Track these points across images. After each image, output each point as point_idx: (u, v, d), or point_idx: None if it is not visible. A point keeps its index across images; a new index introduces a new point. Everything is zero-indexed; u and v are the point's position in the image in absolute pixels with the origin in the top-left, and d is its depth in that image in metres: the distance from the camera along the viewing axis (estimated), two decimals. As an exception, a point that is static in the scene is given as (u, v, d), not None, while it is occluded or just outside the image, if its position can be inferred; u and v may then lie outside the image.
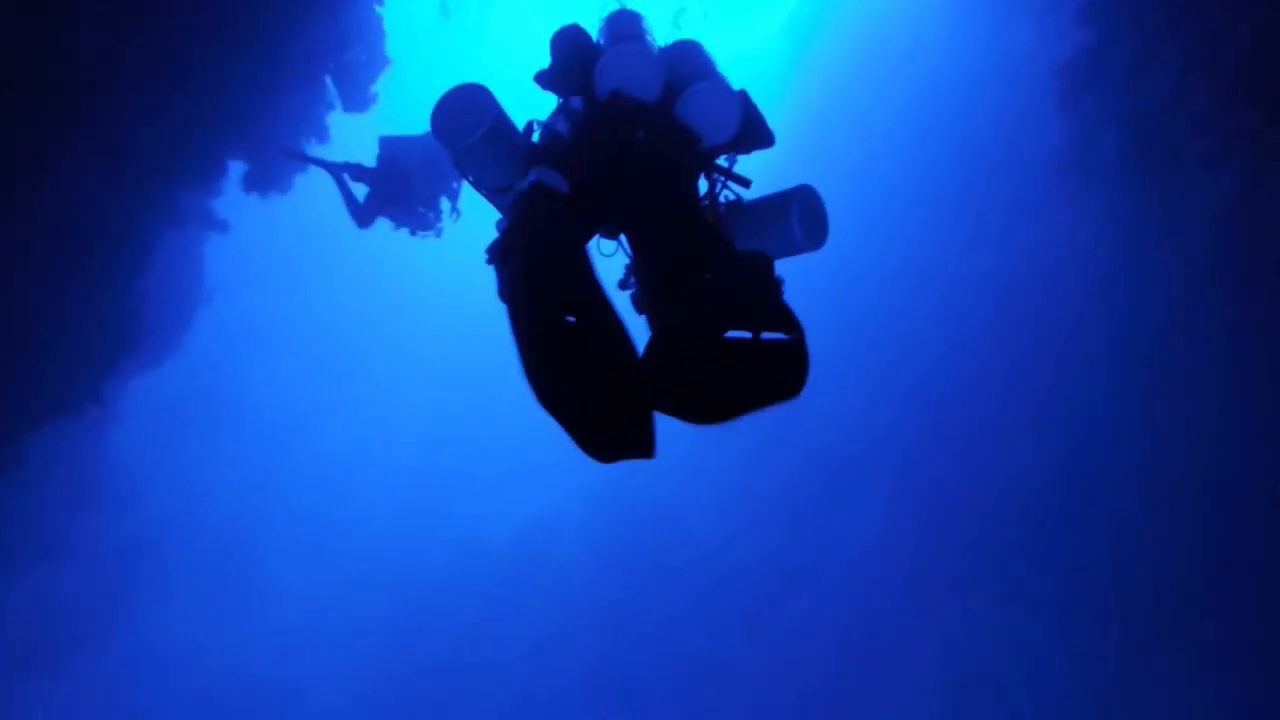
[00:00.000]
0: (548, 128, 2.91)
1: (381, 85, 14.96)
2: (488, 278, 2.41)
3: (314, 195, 15.38)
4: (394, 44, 15.08)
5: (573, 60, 2.90)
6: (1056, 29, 9.98)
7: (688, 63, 2.56)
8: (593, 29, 3.11)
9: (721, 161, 2.78)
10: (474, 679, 14.55)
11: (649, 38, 3.02)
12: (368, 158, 9.78)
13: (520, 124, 2.86)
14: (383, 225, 9.24)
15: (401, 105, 18.46)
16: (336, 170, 9.03)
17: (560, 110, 2.91)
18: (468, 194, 9.42)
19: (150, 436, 15.80)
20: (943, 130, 13.12)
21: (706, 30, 20.95)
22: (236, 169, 14.19)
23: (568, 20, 3.01)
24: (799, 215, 2.36)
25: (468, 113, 2.56)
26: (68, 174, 7.79)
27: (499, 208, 2.83)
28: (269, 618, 16.12)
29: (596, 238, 2.60)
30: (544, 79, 3.00)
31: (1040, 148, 10.68)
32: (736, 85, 2.79)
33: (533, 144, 2.83)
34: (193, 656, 14.67)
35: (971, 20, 12.75)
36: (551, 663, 13.97)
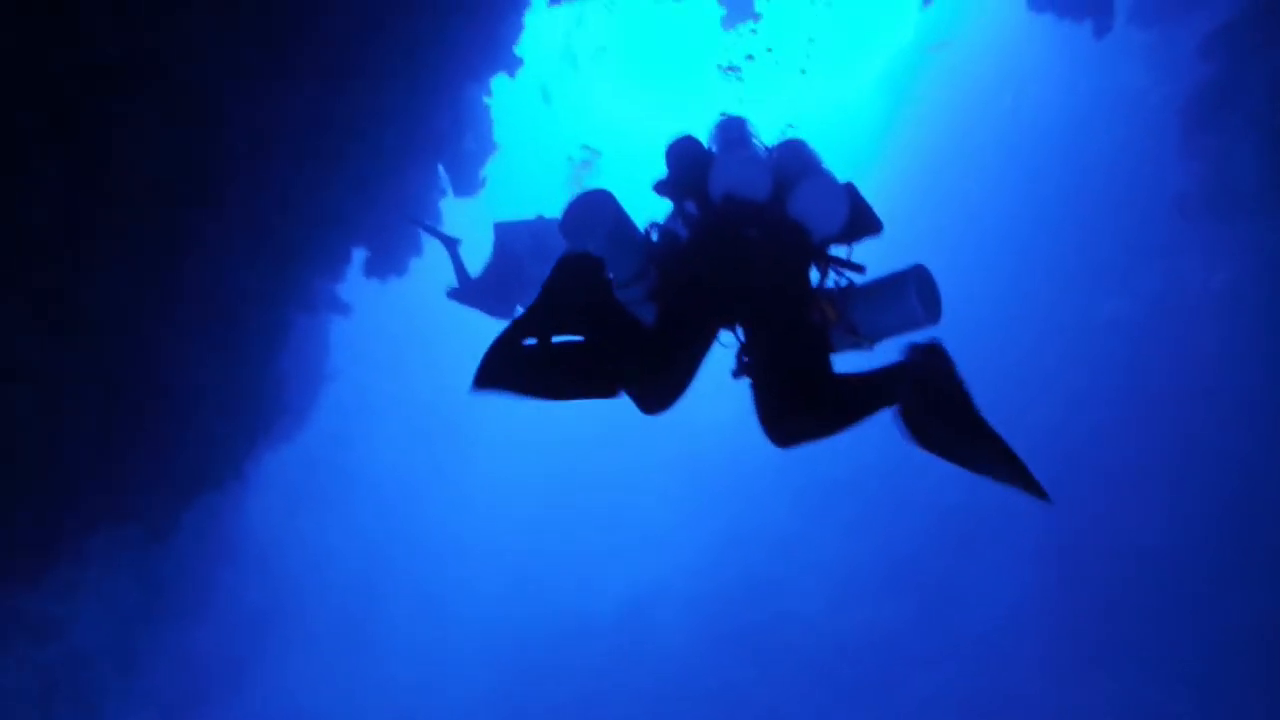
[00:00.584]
0: (665, 230, 3.12)
1: (489, 170, 15.88)
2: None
3: (425, 277, 16.35)
4: (500, 130, 16.04)
5: (689, 167, 3.07)
6: (1171, 64, 9.62)
7: (795, 160, 2.70)
8: (702, 134, 3.33)
9: (837, 251, 2.90)
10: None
11: (756, 140, 3.19)
12: (476, 240, 10.34)
13: (641, 226, 3.11)
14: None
15: (508, 189, 19.51)
16: (453, 244, 9.56)
17: (677, 213, 3.11)
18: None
19: (280, 506, 16.74)
20: (1054, 173, 12.70)
21: (804, 86, 21.22)
22: (359, 254, 15.30)
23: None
24: (918, 294, 2.46)
25: (593, 215, 2.83)
26: (215, 255, 8.53)
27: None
28: (383, 677, 16.42)
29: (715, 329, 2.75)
30: (662, 187, 3.18)
31: (1159, 186, 10.19)
32: (840, 171, 2.96)
33: (651, 243, 3.02)
34: (315, 712, 15.13)
35: (1076, 60, 12.43)
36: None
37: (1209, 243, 9.69)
